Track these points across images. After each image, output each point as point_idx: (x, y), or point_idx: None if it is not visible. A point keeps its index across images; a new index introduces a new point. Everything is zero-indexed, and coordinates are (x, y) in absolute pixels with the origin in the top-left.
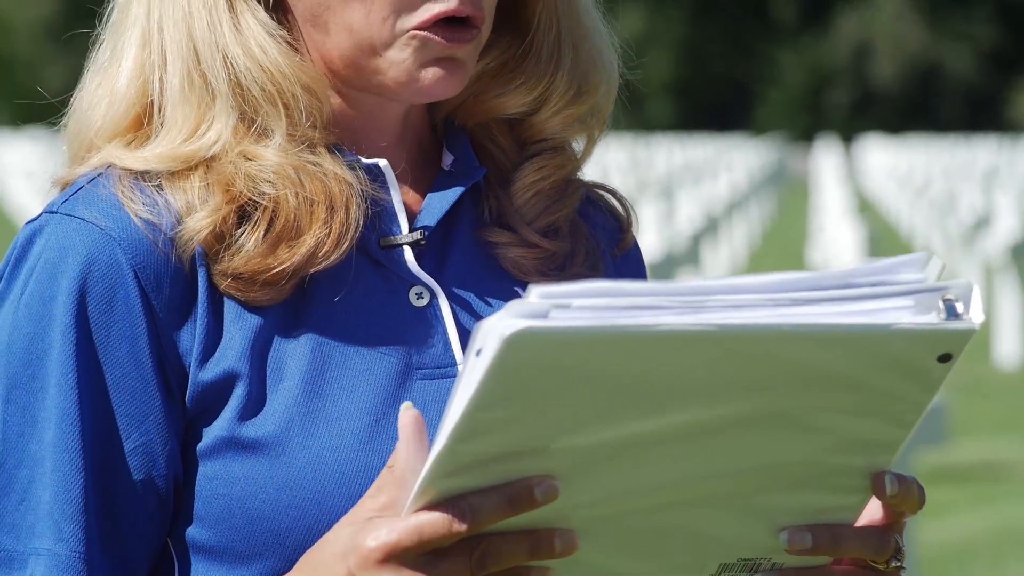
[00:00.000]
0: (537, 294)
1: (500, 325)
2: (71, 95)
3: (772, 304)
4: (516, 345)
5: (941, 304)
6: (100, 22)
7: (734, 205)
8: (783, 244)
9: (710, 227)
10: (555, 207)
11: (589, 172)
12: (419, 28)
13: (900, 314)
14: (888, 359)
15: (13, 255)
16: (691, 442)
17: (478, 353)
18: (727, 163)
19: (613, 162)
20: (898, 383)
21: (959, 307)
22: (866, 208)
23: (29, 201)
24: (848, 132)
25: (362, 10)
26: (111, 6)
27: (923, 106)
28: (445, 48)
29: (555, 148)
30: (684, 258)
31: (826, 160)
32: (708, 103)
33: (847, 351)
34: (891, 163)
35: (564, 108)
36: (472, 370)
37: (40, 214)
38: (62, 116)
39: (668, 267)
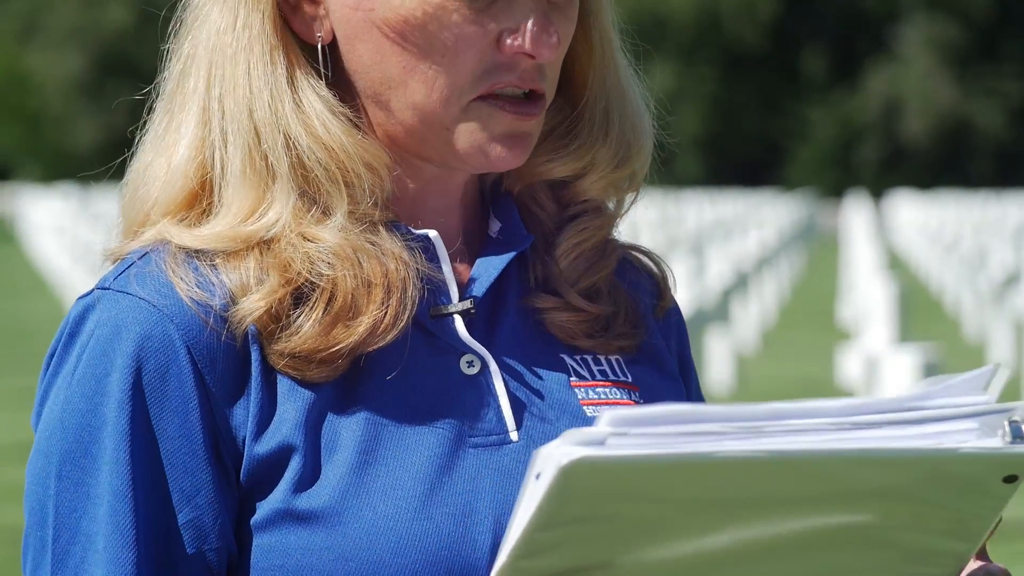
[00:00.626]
0: (607, 421)
1: (557, 453)
2: (102, 154)
3: (834, 428)
4: (572, 473)
5: (1007, 426)
6: (137, 79)
7: (764, 261)
8: (813, 300)
9: (740, 283)
10: (595, 268)
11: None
12: (484, 97)
13: (964, 437)
14: (952, 480)
15: (66, 330)
16: (755, 556)
17: (538, 476)
18: (757, 219)
19: (643, 218)
20: (962, 502)
21: None
22: (896, 264)
23: (59, 257)
24: (878, 188)
25: (423, 90)
26: (164, 75)
27: (953, 162)
28: (514, 122)
29: (595, 209)
30: (714, 314)
31: (856, 216)
32: (738, 159)
33: (911, 473)
34: (921, 219)
35: (609, 174)
36: (531, 493)
37: (92, 290)
38: (91, 173)
39: (699, 323)
